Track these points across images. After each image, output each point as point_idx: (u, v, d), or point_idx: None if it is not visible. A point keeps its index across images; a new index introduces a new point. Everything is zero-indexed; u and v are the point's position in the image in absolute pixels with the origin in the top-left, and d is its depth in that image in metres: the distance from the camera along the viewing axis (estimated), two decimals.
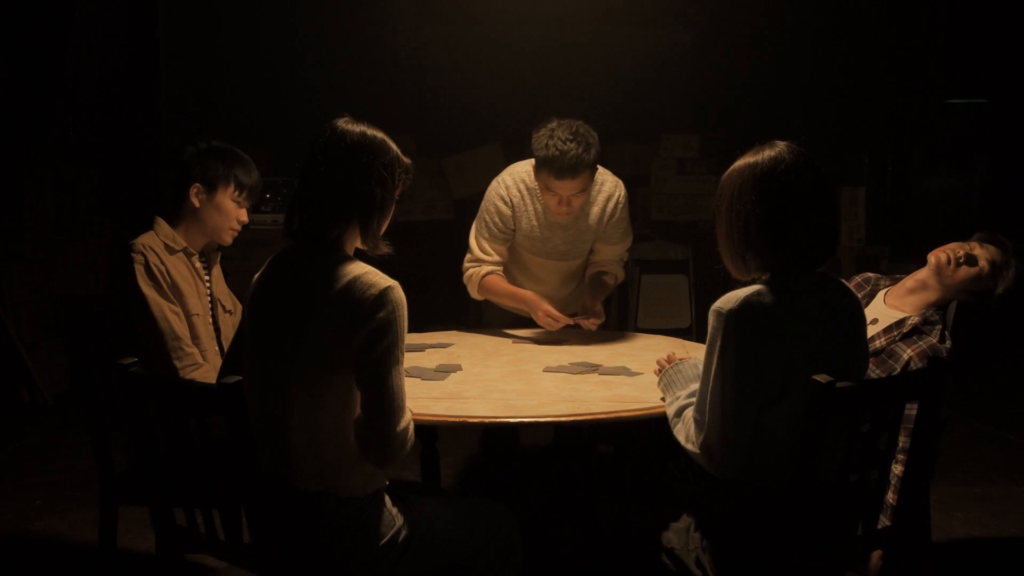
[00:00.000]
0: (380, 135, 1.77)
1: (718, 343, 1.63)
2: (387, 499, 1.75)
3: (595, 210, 2.89)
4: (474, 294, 2.97)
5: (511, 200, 2.88)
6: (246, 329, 1.78)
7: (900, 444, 1.89)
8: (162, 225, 2.45)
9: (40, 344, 5.04)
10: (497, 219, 2.88)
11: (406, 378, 1.72)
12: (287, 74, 6.07)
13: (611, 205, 2.90)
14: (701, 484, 2.28)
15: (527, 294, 2.86)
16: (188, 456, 1.64)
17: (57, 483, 3.59)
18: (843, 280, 1.88)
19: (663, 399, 1.92)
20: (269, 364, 1.69)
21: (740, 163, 1.75)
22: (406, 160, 1.82)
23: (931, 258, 2.34)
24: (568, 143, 2.61)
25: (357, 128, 1.74)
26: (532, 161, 2.79)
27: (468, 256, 2.96)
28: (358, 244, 1.77)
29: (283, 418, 1.66)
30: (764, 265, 1.71)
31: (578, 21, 6.19)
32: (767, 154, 1.71)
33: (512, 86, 6.27)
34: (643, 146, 6.10)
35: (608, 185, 2.91)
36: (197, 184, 2.42)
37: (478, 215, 2.96)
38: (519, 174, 2.91)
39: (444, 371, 2.30)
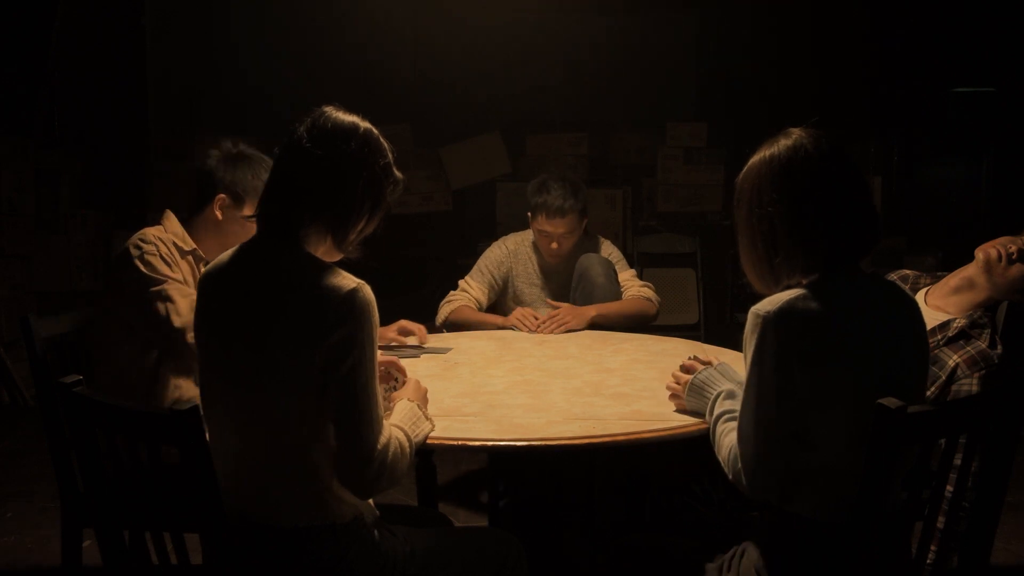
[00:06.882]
0: (375, 132, 1.55)
1: (753, 348, 1.42)
2: (375, 534, 1.53)
3: (593, 256, 3.14)
4: (440, 319, 3.07)
5: (508, 248, 3.20)
6: (198, 344, 1.54)
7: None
8: (172, 220, 2.19)
9: (20, 342, 4.83)
10: (490, 260, 3.18)
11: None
12: (278, 63, 5.85)
13: (605, 255, 3.18)
14: (727, 507, 2.08)
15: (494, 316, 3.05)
16: (138, 483, 1.42)
17: (31, 493, 3.41)
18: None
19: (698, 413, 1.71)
20: (227, 387, 1.48)
21: (754, 159, 1.54)
22: (399, 174, 1.58)
23: (979, 254, 2.10)
24: (556, 191, 2.96)
25: (348, 117, 1.53)
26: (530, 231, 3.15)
27: (452, 292, 3.17)
28: (323, 250, 1.52)
29: (242, 447, 1.46)
30: (798, 269, 1.49)
31: (579, 7, 6.00)
32: (783, 144, 1.50)
33: (512, 74, 6.07)
34: (648, 135, 5.89)
35: (606, 245, 3.24)
36: (223, 196, 2.16)
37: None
38: (521, 234, 3.25)
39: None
